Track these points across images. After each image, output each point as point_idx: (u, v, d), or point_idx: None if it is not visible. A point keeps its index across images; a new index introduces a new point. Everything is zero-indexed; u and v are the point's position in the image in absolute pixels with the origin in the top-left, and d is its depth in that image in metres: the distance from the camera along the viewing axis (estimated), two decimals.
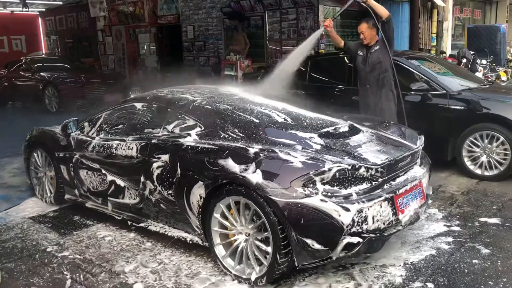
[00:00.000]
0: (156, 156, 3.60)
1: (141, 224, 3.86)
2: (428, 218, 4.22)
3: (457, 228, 3.97)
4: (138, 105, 4.14)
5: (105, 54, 15.31)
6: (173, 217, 3.60)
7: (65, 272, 3.39)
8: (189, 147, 3.42)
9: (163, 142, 3.63)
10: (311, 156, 3.02)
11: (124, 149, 3.87)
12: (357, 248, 2.92)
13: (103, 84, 11.24)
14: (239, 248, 3.17)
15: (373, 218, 2.97)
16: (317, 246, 2.86)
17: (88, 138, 4.29)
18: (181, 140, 3.52)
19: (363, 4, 5.10)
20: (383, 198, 3.03)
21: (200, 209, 3.31)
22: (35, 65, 12.06)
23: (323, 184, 2.89)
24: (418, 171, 3.48)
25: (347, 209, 2.84)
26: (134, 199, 3.84)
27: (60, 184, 4.62)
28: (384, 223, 3.06)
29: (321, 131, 3.46)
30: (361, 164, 3.00)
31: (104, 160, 4.05)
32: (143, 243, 3.85)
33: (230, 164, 3.10)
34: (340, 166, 2.92)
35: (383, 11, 5.04)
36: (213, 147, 3.30)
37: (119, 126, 4.17)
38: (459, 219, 4.19)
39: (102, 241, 3.92)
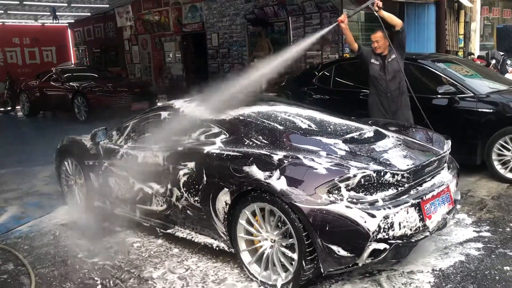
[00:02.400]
0: (183, 163, 3.65)
1: (169, 231, 3.92)
2: (457, 224, 4.14)
3: (487, 234, 3.89)
4: (164, 114, 4.21)
5: (131, 63, 15.60)
6: (200, 223, 3.65)
7: (95, 278, 3.47)
8: (214, 154, 3.46)
9: (189, 149, 3.68)
10: (336, 162, 3.02)
11: (151, 157, 3.95)
12: (384, 255, 2.90)
13: (130, 93, 11.45)
14: (265, 255, 3.19)
15: (399, 224, 2.94)
16: (343, 252, 2.85)
17: (116, 147, 4.39)
18: (206, 148, 3.57)
19: (375, 13, 4.99)
20: (409, 204, 3.00)
21: (226, 216, 3.34)
22: (65, 75, 12.39)
23: (348, 190, 2.89)
24: (446, 176, 3.44)
25: (373, 216, 2.83)
26: (161, 205, 3.91)
27: (90, 192, 4.73)
28: (411, 229, 3.03)
29: (345, 137, 3.46)
30: (387, 170, 2.99)
31: (132, 168, 4.13)
32: (171, 249, 3.91)
33: (255, 171, 3.12)
34: (365, 172, 2.92)
35: (397, 21, 5.02)
36: (238, 154, 3.34)
37: (146, 135, 4.25)
38: (489, 224, 4.10)
39: (131, 247, 4.00)
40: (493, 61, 12.22)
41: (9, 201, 5.53)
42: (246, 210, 3.21)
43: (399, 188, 3.04)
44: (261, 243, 3.23)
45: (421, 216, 3.08)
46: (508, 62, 12.30)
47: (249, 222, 3.24)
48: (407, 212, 2.98)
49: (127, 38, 15.58)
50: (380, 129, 3.72)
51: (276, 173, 3.02)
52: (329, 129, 3.63)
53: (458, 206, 4.49)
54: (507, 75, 11.90)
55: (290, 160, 3.07)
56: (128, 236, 4.26)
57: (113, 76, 13.63)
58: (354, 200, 2.86)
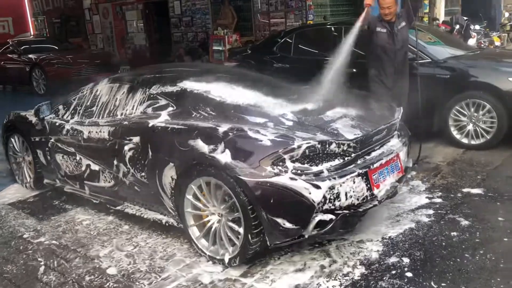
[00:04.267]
0: (128, 138, 3.51)
1: (118, 207, 3.81)
2: (410, 191, 4.16)
3: (439, 200, 3.92)
4: (112, 86, 4.03)
5: (93, 33, 15.03)
6: (148, 199, 3.54)
7: (39, 259, 3.35)
8: (159, 127, 3.33)
9: (134, 123, 3.54)
10: (281, 133, 2.93)
11: (97, 132, 3.79)
12: (330, 225, 2.87)
13: (91, 64, 11.06)
14: (212, 229, 3.13)
15: (346, 195, 2.91)
16: (288, 225, 2.81)
17: (63, 122, 4.21)
18: (151, 121, 3.43)
19: None
20: (356, 173, 2.96)
21: (173, 191, 3.25)
22: (22, 47, 11.87)
23: (293, 162, 2.82)
24: (395, 145, 3.40)
25: (318, 187, 2.78)
26: (109, 182, 3.78)
27: (38, 169, 4.55)
28: (358, 199, 3.00)
29: (296, 107, 3.36)
30: (332, 140, 2.92)
31: (79, 144, 3.97)
32: (121, 226, 3.81)
33: (200, 145, 3.02)
34: (310, 143, 2.84)
35: None
36: (183, 127, 3.22)
37: (93, 108, 4.07)
38: (442, 190, 4.13)
39: (80, 226, 3.88)
40: (457, 26, 12.25)
41: None
42: (192, 185, 3.12)
43: (346, 158, 2.98)
44: (209, 218, 3.16)
45: (368, 186, 3.05)
46: (472, 27, 12.34)
47: (196, 197, 3.15)
48: (354, 182, 2.94)
49: (87, 8, 14.96)
50: (332, 98, 3.64)
51: (221, 146, 2.92)
52: (279, 100, 3.52)
53: (413, 173, 4.55)
54: (470, 40, 11.98)
55: (235, 132, 2.97)
56: (78, 214, 4.13)
57: (73, 47, 13.14)
58: (299, 172, 2.80)
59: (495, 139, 5.10)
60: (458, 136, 5.30)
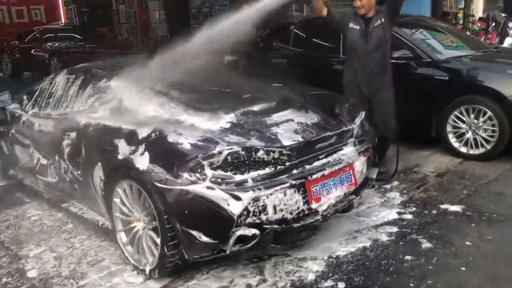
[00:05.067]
0: (67, 133, 3.34)
1: (64, 205, 3.65)
2: (383, 204, 3.77)
3: (409, 217, 3.52)
4: (69, 78, 3.86)
5: (119, 23, 15.10)
6: (86, 198, 3.36)
7: None
8: (92, 124, 3.13)
9: (72, 118, 3.35)
10: (206, 137, 2.63)
11: (45, 125, 3.64)
12: (254, 241, 2.58)
13: (108, 54, 11.06)
14: (137, 236, 2.90)
15: (274, 208, 2.61)
16: (204, 238, 2.53)
17: (22, 112, 4.09)
18: (87, 116, 3.23)
19: None
20: (288, 184, 2.64)
21: (103, 192, 3.04)
22: (45, 36, 12.05)
23: (214, 169, 2.53)
24: (349, 153, 3.03)
25: (238, 198, 2.49)
26: (55, 178, 3.62)
27: (3, 160, 4.47)
28: (291, 213, 2.69)
29: (243, 108, 3.06)
30: (259, 147, 2.61)
31: (32, 136, 3.83)
32: (65, 225, 3.65)
33: (122, 145, 2.80)
34: (232, 149, 2.55)
35: None
36: (111, 125, 2.99)
37: (49, 100, 3.92)
38: (418, 205, 3.72)
39: (26, 221, 3.75)
40: (493, 24, 11.45)
41: None
42: (118, 188, 2.89)
43: (278, 167, 2.66)
44: (135, 224, 2.92)
45: (305, 199, 2.73)
46: (510, 24, 11.48)
47: (122, 201, 2.92)
48: (285, 194, 2.63)
49: None
50: (288, 98, 3.31)
51: (141, 148, 2.68)
52: (227, 98, 3.25)
53: (395, 183, 4.16)
54: (508, 39, 11.16)
55: (157, 134, 2.71)
56: (31, 208, 4.01)
57: (97, 36, 13.22)
58: (219, 180, 2.51)
59: (495, 150, 4.59)
60: (456, 145, 4.82)
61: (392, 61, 4.86)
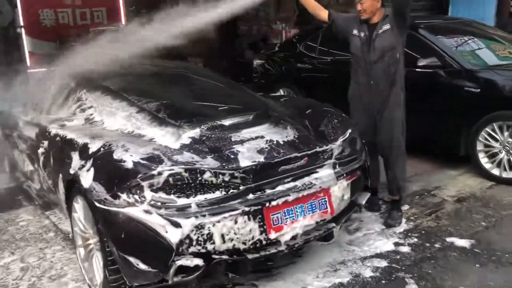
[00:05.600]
0: (42, 141, 3.27)
1: (47, 213, 3.61)
2: (382, 232, 3.38)
3: (406, 249, 3.10)
4: (58, 82, 3.79)
5: None
6: (59, 209, 3.27)
7: None
8: (60, 134, 3.02)
9: (47, 126, 3.27)
10: (151, 155, 2.41)
11: (29, 130, 3.61)
12: (199, 272, 2.33)
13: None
14: (90, 254, 2.74)
15: (223, 237, 2.34)
16: (143, 266, 2.32)
17: (21, 116, 4.10)
18: (61, 125, 3.14)
19: None
20: (239, 211, 2.36)
21: (65, 205, 2.93)
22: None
23: (155, 191, 2.30)
24: (325, 177, 2.68)
25: (177, 225, 2.25)
26: (37, 184, 3.58)
27: (10, 162, 4.53)
28: (245, 243, 2.41)
29: (214, 121, 2.81)
30: (205, 168, 2.35)
31: (25, 141, 3.82)
32: (47, 233, 3.58)
33: (76, 159, 2.66)
34: (173, 170, 2.31)
35: None
36: (73, 136, 2.86)
37: (43, 105, 3.88)
38: (421, 236, 3.28)
39: (13, 226, 3.73)
40: None
41: None
42: (74, 203, 2.75)
43: (230, 191, 2.39)
44: (91, 241, 2.77)
45: (263, 227, 2.43)
46: None
47: (79, 216, 2.78)
48: (236, 222, 2.35)
49: None
50: (267, 113, 3.01)
51: (88, 164, 2.52)
52: (201, 111, 3.01)
53: (405, 207, 3.72)
54: None
55: (105, 148, 2.53)
56: (24, 213, 3.99)
57: None
58: (158, 204, 2.28)
59: None
60: (487, 166, 4.26)
61: (417, 69, 4.51)
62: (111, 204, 2.32)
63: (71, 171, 2.63)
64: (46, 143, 3.18)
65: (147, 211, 2.27)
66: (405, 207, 3.74)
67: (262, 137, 2.69)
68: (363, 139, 3.33)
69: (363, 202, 2.99)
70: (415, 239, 3.23)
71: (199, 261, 2.32)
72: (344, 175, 2.78)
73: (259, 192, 2.45)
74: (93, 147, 2.58)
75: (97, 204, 2.37)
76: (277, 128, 2.82)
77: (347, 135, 2.88)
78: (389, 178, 3.60)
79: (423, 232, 3.33)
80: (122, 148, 2.48)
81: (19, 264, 3.14)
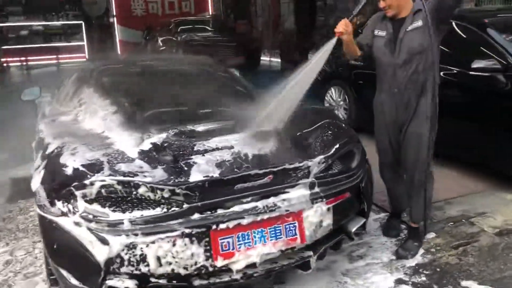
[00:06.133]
0: (36, 135, 3.24)
1: None
2: (389, 263, 2.89)
3: None
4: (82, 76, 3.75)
5: (256, 16, 15.15)
6: None
7: None
8: (40, 129, 2.97)
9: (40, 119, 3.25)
10: (93, 161, 2.20)
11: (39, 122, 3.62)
12: None
13: (228, 47, 11.21)
14: None
15: (158, 259, 2.08)
16: (74, 281, 2.15)
17: (44, 106, 4.16)
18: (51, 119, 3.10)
19: None
20: (178, 233, 2.08)
21: None
22: (179, 28, 12.66)
23: (89, 202, 2.11)
24: (296, 198, 2.30)
25: (105, 242, 2.04)
26: None
27: None
28: (186, 268, 2.13)
29: (184, 125, 2.56)
30: (140, 182, 2.09)
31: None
32: None
33: (38, 157, 2.55)
34: (104, 181, 2.08)
35: None
36: (45, 134, 2.75)
37: (60, 97, 3.88)
38: (433, 274, 2.74)
39: (23, 216, 3.80)
40: None
41: None
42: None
43: (172, 209, 2.12)
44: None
45: (209, 253, 2.14)
46: None
47: None
48: (173, 244, 2.08)
49: None
50: (250, 120, 2.65)
51: (42, 165, 2.39)
52: (180, 114, 2.77)
53: (432, 235, 3.19)
54: None
55: (58, 150, 2.38)
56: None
57: (231, 29, 13.47)
58: (90, 217, 2.08)
59: None
60: None
61: (470, 72, 3.86)
62: (48, 212, 2.18)
63: (32, 171, 2.53)
64: (36, 136, 3.15)
65: (77, 223, 2.08)
66: (430, 235, 3.19)
67: (231, 147, 2.37)
68: (384, 157, 2.94)
69: (353, 230, 2.54)
70: (423, 278, 2.71)
71: (131, 283, 2.09)
72: (323, 197, 2.36)
73: (208, 212, 2.15)
74: (51, 147, 2.45)
75: (37, 210, 2.24)
76: (255, 138, 2.48)
77: (331, 151, 2.45)
78: (412, 203, 3.06)
79: (438, 270, 2.79)
80: (71, 151, 2.31)
81: (6, 257, 3.16)
